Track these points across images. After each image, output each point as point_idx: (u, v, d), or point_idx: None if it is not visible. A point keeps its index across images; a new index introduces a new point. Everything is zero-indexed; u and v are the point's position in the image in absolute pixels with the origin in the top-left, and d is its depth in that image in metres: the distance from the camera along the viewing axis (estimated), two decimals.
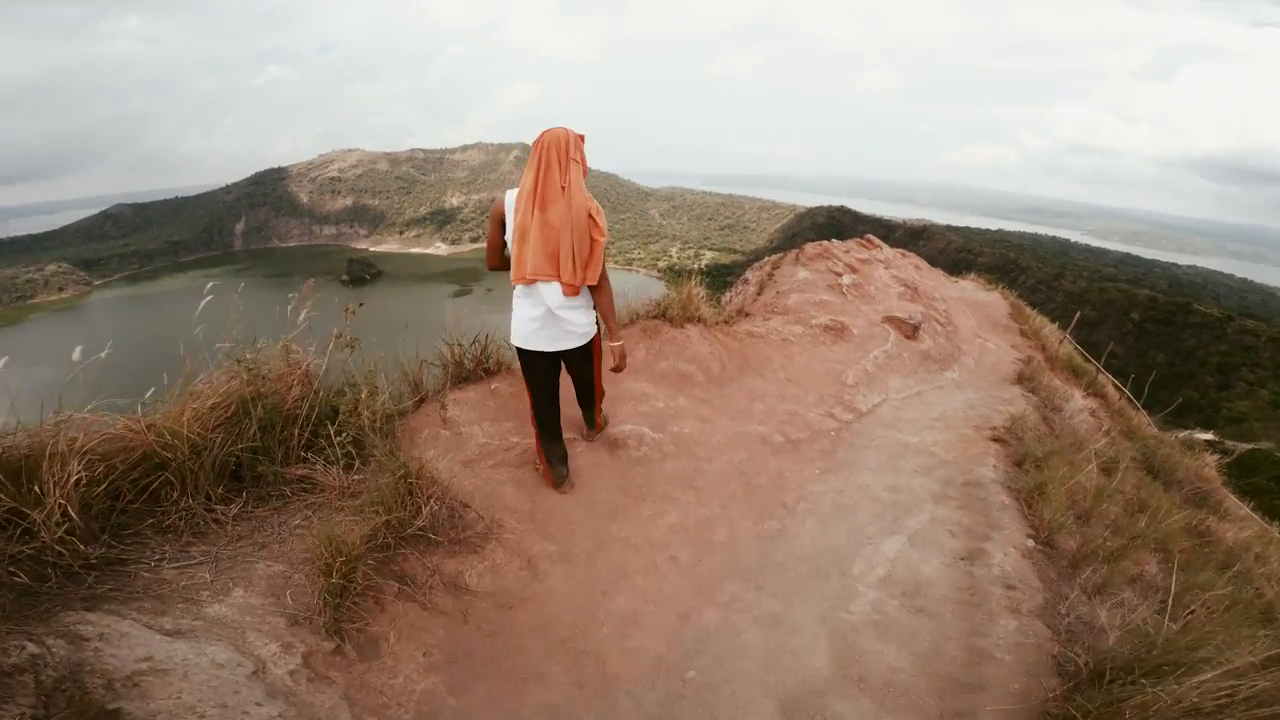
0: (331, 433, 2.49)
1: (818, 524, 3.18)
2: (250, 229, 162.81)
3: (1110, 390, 7.78)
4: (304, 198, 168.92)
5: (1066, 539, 3.04)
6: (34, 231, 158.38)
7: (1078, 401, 5.79)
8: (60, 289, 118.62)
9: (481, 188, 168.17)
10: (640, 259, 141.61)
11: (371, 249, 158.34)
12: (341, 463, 2.47)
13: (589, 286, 2.69)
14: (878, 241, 9.36)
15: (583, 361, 2.94)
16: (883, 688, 2.21)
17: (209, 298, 2.57)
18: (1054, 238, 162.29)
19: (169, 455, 2.19)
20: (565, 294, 2.62)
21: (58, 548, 1.83)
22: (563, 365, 2.93)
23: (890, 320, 6.34)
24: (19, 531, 1.83)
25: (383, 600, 2.12)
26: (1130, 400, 7.79)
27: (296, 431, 2.55)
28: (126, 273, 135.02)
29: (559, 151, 2.51)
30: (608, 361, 2.95)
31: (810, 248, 8.23)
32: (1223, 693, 1.76)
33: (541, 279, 2.60)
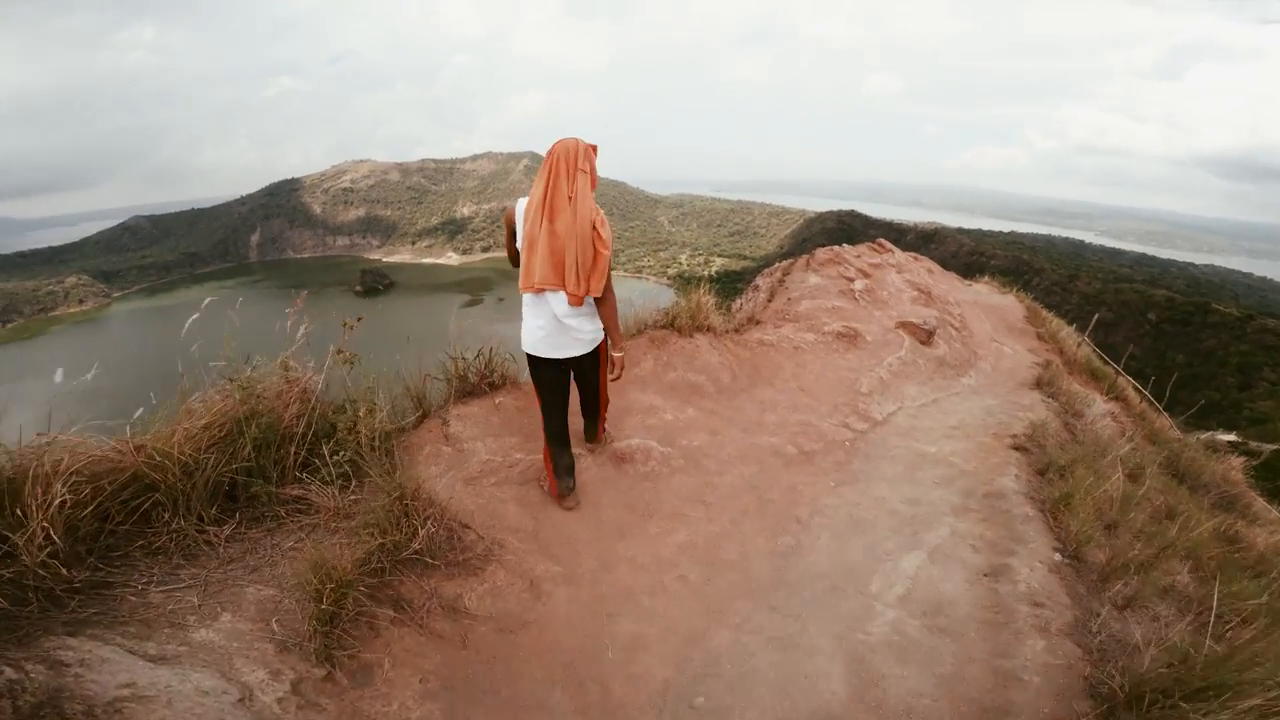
0: (326, 452, 2.42)
1: (833, 539, 3.07)
2: (265, 240, 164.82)
3: (1131, 393, 7.59)
4: (317, 209, 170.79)
5: (1095, 551, 2.91)
6: (54, 244, 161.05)
7: (1099, 406, 5.62)
8: (80, 301, 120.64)
9: (492, 197, 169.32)
10: (650, 266, 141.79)
11: (384, 259, 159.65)
12: (338, 483, 2.41)
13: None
14: (889, 245, 9.23)
15: (591, 369, 2.95)
16: (902, 713, 2.11)
17: (195, 316, 2.52)
18: (1067, 239, 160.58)
19: (159, 476, 2.14)
20: (570, 304, 2.64)
21: (40, 571, 1.79)
22: (572, 373, 2.96)
23: (904, 326, 6.22)
24: (0, 555, 1.79)
25: (378, 625, 2.05)
26: (1151, 403, 7.60)
27: (293, 450, 2.50)
28: (144, 284, 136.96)
29: (568, 162, 2.54)
30: (609, 370, 2.95)
31: (821, 253, 8.12)
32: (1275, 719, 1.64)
33: (549, 288, 2.62)
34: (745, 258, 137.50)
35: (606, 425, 3.45)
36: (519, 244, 2.67)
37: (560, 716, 2.06)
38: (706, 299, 4.93)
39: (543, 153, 2.66)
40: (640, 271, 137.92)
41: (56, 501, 1.88)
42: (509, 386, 3.63)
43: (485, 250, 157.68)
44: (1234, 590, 2.77)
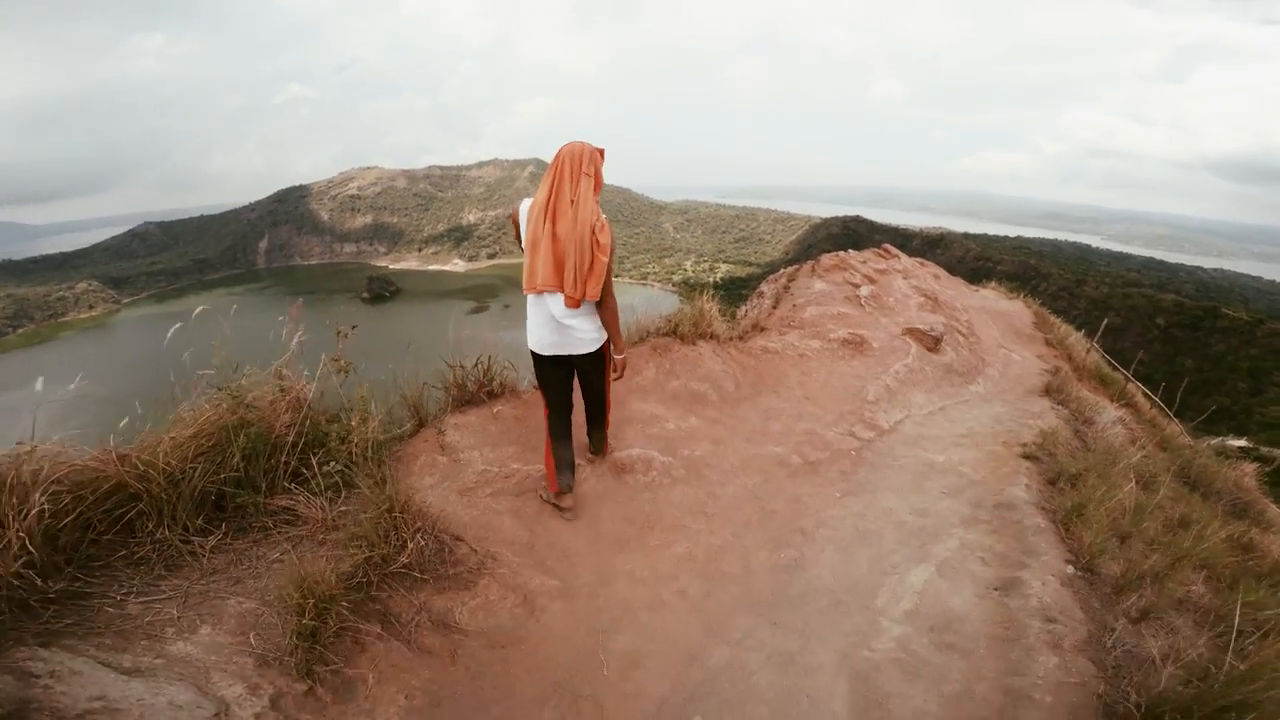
0: (315, 463, 2.36)
1: (838, 552, 2.98)
2: (273, 247, 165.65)
3: (1140, 399, 7.48)
4: (325, 216, 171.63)
5: (1109, 563, 2.81)
6: (65, 249, 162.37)
7: (1110, 413, 5.52)
8: (90, 307, 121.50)
9: (498, 204, 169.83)
10: (655, 273, 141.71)
11: (391, 266, 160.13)
12: (327, 494, 2.35)
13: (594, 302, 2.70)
14: (895, 251, 9.15)
15: (594, 370, 2.95)
16: None
17: (177, 325, 2.47)
18: (1074, 243, 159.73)
19: (143, 486, 2.09)
20: (566, 305, 2.65)
21: (13, 581, 1.75)
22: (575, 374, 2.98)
23: (911, 332, 6.14)
24: None
25: (363, 640, 1.98)
26: (1162, 409, 7.48)
27: (283, 460, 2.45)
28: (154, 291, 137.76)
29: (573, 165, 2.57)
30: (611, 370, 2.96)
31: (826, 259, 8.05)
32: None
33: (549, 290, 2.64)
34: (750, 264, 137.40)
35: (609, 435, 3.40)
36: (523, 244, 2.69)
37: None
38: (710, 306, 4.87)
39: (548, 159, 2.67)
40: (645, 278, 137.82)
41: (34, 511, 1.83)
42: (508, 395, 3.57)
43: (491, 257, 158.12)
44: (1251, 600, 2.67)
